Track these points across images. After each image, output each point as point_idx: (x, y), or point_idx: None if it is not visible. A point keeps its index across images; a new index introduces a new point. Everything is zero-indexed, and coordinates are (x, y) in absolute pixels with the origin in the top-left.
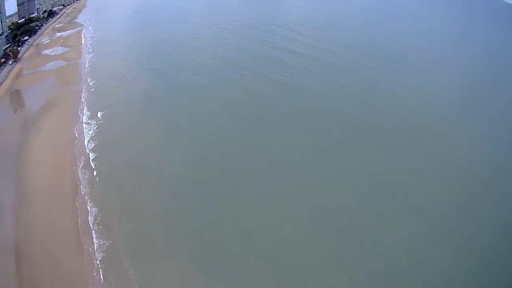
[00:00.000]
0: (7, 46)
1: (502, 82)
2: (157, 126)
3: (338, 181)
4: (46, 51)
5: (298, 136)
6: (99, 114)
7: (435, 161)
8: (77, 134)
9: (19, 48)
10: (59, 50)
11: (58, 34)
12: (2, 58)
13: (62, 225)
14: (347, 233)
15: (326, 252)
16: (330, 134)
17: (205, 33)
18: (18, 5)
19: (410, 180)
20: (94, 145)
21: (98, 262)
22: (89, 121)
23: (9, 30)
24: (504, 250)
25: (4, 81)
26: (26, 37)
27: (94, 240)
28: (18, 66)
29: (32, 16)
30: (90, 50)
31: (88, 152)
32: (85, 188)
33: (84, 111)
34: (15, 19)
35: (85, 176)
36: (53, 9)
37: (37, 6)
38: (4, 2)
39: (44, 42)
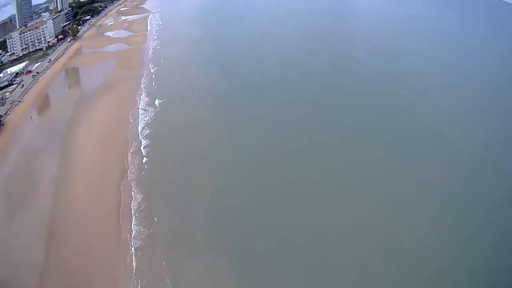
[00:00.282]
0: (67, 23)
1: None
2: (214, 123)
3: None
4: (109, 33)
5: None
6: (156, 102)
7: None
8: (132, 119)
9: (79, 27)
10: (122, 33)
11: (123, 18)
12: (60, 34)
13: (103, 207)
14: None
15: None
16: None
17: (277, 33)
18: None
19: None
20: (148, 133)
21: (133, 249)
22: (146, 108)
23: (69, 8)
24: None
25: (60, 56)
26: (88, 17)
27: (133, 226)
28: (77, 44)
29: None
30: (155, 37)
31: (140, 138)
32: (132, 173)
33: (142, 97)
34: None
35: (134, 162)
36: None
37: None
38: None
39: (108, 24)
